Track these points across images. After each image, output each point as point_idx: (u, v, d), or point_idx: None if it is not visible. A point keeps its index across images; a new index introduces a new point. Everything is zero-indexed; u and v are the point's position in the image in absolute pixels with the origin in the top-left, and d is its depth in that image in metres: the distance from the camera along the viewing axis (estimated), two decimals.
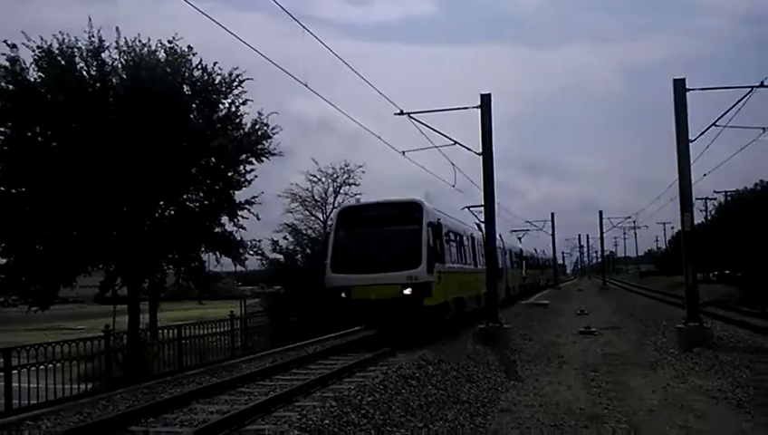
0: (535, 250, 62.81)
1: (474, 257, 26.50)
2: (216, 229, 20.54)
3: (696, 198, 43.40)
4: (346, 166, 39.34)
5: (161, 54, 18.66)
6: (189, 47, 18.98)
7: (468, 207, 32.41)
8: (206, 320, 18.29)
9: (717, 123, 18.57)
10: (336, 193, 39.43)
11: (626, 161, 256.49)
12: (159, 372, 15.02)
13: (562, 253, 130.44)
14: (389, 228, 19.44)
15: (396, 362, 14.94)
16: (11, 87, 17.29)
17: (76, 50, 17.80)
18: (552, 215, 79.68)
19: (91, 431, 9.97)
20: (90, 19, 17.96)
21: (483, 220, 28.82)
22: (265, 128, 20.33)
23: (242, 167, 20.30)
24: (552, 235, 79.51)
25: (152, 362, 15.44)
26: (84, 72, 17.99)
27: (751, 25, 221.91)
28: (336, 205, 37.19)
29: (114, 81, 18.36)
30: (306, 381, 13.01)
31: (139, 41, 18.50)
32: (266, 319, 21.89)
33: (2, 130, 17.58)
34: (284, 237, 31.48)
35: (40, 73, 17.60)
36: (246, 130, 20.22)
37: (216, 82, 19.52)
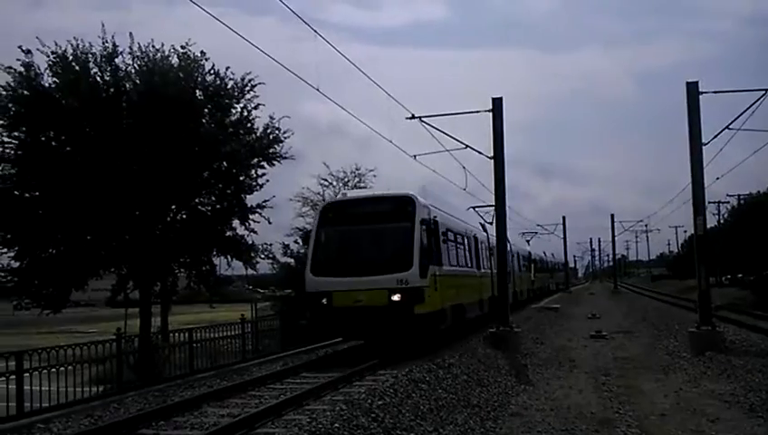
0: (544, 253, 61.60)
1: (476, 260, 24.43)
2: (228, 233, 20.58)
3: (709, 202, 43.31)
4: (357, 169, 39.25)
5: (174, 60, 18.72)
6: (202, 52, 19.06)
7: (474, 207, 31.08)
8: (217, 323, 18.34)
9: (731, 126, 18.51)
10: None
11: (637, 165, 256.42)
12: (170, 375, 15.08)
13: (574, 256, 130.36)
14: (377, 226, 17.51)
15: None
16: (25, 92, 17.40)
17: (90, 55, 17.89)
18: (564, 218, 79.62)
19: (102, 434, 10.04)
20: (103, 25, 18.12)
21: (488, 221, 28.78)
22: (277, 132, 20.36)
23: (254, 171, 20.32)
24: (564, 238, 79.46)
25: (163, 366, 15.49)
26: (98, 78, 18.07)
27: (757, 27, 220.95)
28: None
29: (128, 86, 18.43)
30: (316, 385, 13.03)
31: (153, 46, 18.57)
32: (277, 322, 21.91)
33: (16, 134, 17.70)
34: (295, 241, 31.43)
35: (54, 79, 17.70)
36: (258, 134, 20.26)
37: (229, 86, 19.56)
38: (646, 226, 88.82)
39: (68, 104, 17.25)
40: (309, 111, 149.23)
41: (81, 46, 17.81)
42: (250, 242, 20.69)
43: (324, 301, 16.43)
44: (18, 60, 17.24)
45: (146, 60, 18.46)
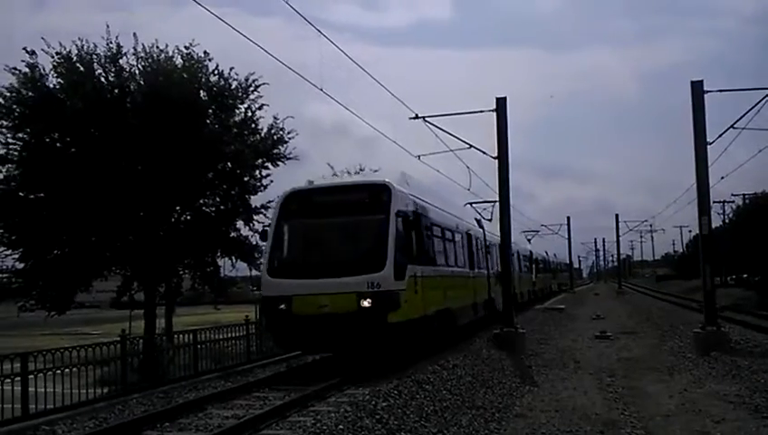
0: (546, 253, 59.99)
1: (470, 259, 22.21)
2: (232, 234, 20.65)
3: (714, 201, 43.13)
4: (361, 170, 39.26)
5: (178, 60, 18.79)
6: (206, 53, 19.13)
7: (471, 204, 29.54)
8: (221, 324, 18.34)
9: (735, 125, 18.48)
10: None
11: (642, 164, 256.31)
12: (175, 376, 15.08)
13: (578, 257, 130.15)
14: (345, 218, 15.28)
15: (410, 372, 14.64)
16: (30, 93, 17.46)
17: (94, 56, 17.98)
18: (568, 219, 79.55)
19: None
20: (108, 26, 18.17)
21: (486, 218, 28.39)
22: (281, 132, 20.43)
23: (258, 171, 20.39)
24: (569, 238, 79.39)
25: (168, 367, 15.49)
26: (102, 79, 18.15)
27: (760, 25, 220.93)
28: None
29: (132, 87, 18.51)
30: (321, 386, 13.02)
31: (157, 47, 18.68)
32: None
33: (21, 135, 17.77)
34: None
35: (59, 80, 17.79)
36: (262, 134, 20.32)
37: (233, 87, 19.63)
38: (651, 226, 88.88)
39: (72, 105, 17.30)
40: (313, 112, 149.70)
41: (85, 47, 17.94)
42: (254, 243, 20.72)
43: (283, 307, 14.28)
44: (23, 61, 17.38)
45: (150, 61, 18.53)
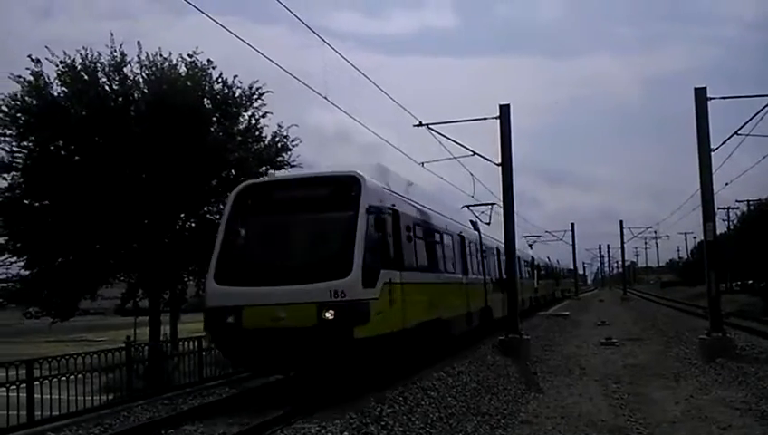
0: (548, 258, 58.28)
1: (463, 263, 20.38)
2: None
3: (718, 208, 43.07)
4: None
5: (182, 68, 18.85)
6: (209, 61, 19.18)
7: (468, 206, 27.62)
8: None
9: (739, 132, 18.49)
10: None
11: (646, 170, 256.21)
12: (180, 383, 15.07)
13: (583, 263, 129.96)
14: (308, 215, 13.04)
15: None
16: (35, 102, 17.52)
17: (98, 65, 18.02)
18: (573, 225, 79.52)
19: None
20: (112, 34, 18.23)
21: (485, 221, 27.91)
22: (285, 140, 20.48)
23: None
24: (573, 244, 79.33)
25: (173, 374, 15.48)
26: (106, 87, 18.18)
27: (761, 31, 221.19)
28: None
29: (136, 95, 18.55)
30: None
31: (161, 55, 18.73)
32: None
33: (25, 144, 17.82)
34: None
35: (63, 88, 17.84)
36: (266, 142, 20.37)
37: (237, 95, 19.69)
38: (655, 232, 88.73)
39: (76, 113, 17.35)
40: (316, 119, 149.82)
41: (89, 56, 17.97)
42: None
43: (231, 320, 12.05)
44: (27, 69, 17.41)
45: (154, 69, 18.58)
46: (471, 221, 24.92)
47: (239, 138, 19.86)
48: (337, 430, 9.38)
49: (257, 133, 20.30)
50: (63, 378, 12.24)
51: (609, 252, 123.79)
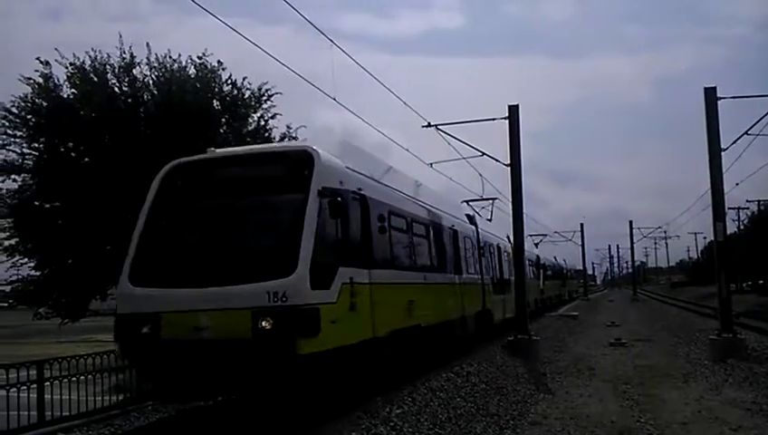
0: (555, 258, 57.13)
1: (456, 262, 18.24)
2: None
3: (729, 208, 42.86)
4: None
5: (191, 70, 18.90)
6: (219, 62, 19.23)
7: (467, 201, 25.74)
8: None
9: (749, 132, 18.41)
10: None
11: (656, 170, 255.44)
12: None
13: (592, 263, 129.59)
14: (245, 200, 10.43)
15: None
16: (44, 103, 17.61)
17: (108, 66, 18.09)
18: (582, 225, 79.17)
19: None
20: (120, 36, 18.28)
21: (486, 217, 27.47)
22: (294, 141, 20.47)
23: None
24: (582, 245, 78.90)
25: None
26: (116, 89, 18.25)
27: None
28: None
29: (145, 96, 18.60)
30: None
31: (170, 57, 18.76)
32: None
33: (36, 145, 17.91)
34: None
35: (73, 90, 17.92)
36: (275, 143, 20.37)
37: (246, 96, 19.72)
38: (665, 232, 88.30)
39: (86, 115, 17.42)
40: (324, 120, 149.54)
41: (99, 57, 18.03)
42: None
43: (146, 330, 9.48)
44: (36, 71, 17.49)
45: (163, 70, 18.62)
46: (467, 215, 22.86)
47: (248, 139, 19.87)
48: (346, 431, 9.37)
49: (266, 135, 20.31)
50: (74, 378, 12.27)
51: (618, 252, 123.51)
